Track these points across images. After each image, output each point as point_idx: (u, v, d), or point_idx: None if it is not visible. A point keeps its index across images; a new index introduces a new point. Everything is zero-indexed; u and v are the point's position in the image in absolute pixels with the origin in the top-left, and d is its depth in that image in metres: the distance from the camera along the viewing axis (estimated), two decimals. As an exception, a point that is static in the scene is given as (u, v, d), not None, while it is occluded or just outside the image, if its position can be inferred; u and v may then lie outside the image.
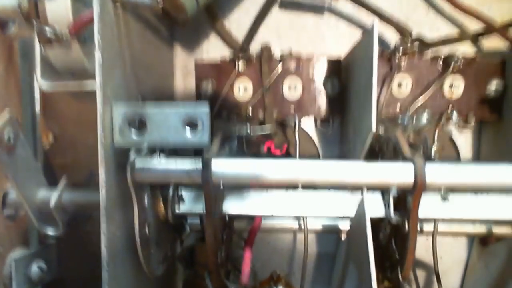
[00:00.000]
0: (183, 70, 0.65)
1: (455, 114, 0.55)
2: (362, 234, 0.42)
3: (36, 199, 0.52)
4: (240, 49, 0.59)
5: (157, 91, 0.56)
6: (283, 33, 0.64)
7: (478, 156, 0.63)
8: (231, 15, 0.63)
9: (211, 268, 0.44)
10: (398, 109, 0.58)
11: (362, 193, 0.43)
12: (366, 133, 0.41)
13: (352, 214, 0.46)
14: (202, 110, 0.39)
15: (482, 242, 0.63)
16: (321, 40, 0.64)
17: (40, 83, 0.48)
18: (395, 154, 0.45)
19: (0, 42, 0.52)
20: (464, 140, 0.64)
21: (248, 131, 0.53)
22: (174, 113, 0.39)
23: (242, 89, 0.58)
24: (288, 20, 0.64)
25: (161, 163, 0.42)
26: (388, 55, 0.56)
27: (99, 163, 0.38)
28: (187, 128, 0.40)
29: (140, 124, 0.41)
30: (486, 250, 0.62)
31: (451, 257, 0.67)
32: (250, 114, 0.58)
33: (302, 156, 0.60)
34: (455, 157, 0.62)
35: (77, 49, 0.46)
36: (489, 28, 0.59)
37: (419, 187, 0.39)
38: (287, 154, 0.62)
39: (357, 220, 0.45)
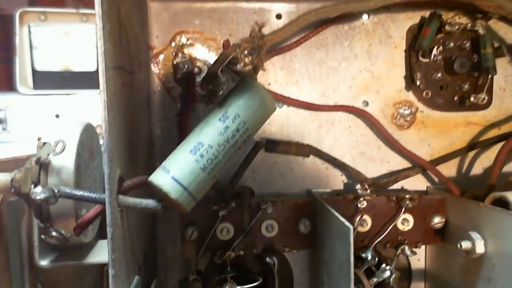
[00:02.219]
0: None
1: (407, 247, 0.65)
2: None
3: None
4: (223, 194, 0.64)
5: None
6: (257, 167, 0.71)
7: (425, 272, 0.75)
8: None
9: None
10: (362, 241, 0.67)
11: None
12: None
13: None
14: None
15: None
16: (291, 176, 0.72)
17: (39, 262, 0.50)
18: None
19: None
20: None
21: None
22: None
23: (225, 231, 0.64)
24: (262, 157, 0.71)
25: None
26: (350, 198, 0.65)
27: None
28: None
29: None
30: None
31: None
32: (234, 255, 0.63)
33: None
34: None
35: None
36: (419, 165, 0.70)
37: None
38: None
39: None
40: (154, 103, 0.68)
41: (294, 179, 0.72)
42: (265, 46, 0.53)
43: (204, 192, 0.48)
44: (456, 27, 0.68)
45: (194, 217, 0.64)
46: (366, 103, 0.73)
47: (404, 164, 0.74)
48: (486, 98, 0.72)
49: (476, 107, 0.73)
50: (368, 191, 0.65)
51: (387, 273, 0.60)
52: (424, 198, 0.68)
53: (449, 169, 0.75)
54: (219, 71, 0.48)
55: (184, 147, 0.47)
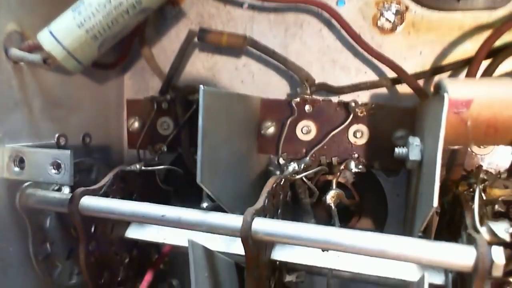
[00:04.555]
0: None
1: (353, 162, 0.55)
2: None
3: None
4: (166, 84, 0.64)
5: (103, 126, 0.65)
6: (219, 72, 0.68)
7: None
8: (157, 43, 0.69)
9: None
10: (304, 151, 0.59)
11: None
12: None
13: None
14: (64, 154, 0.46)
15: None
16: (252, 82, 0.67)
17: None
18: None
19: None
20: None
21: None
22: (43, 155, 0.47)
23: (165, 126, 0.64)
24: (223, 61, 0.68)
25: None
26: (290, 100, 0.58)
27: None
28: (53, 168, 0.47)
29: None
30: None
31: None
32: (165, 149, 0.63)
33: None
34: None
35: None
36: (398, 77, 0.57)
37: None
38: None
39: None
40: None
41: (254, 85, 0.67)
42: None
43: (87, 53, 0.50)
44: None
45: (136, 107, 0.65)
46: (343, 2, 0.62)
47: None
48: (505, -10, 0.55)
49: (488, 3, 0.56)
50: (308, 90, 0.56)
51: (290, 168, 0.51)
52: (386, 107, 0.55)
53: (447, 86, 0.59)
54: None
55: (70, 6, 0.49)
